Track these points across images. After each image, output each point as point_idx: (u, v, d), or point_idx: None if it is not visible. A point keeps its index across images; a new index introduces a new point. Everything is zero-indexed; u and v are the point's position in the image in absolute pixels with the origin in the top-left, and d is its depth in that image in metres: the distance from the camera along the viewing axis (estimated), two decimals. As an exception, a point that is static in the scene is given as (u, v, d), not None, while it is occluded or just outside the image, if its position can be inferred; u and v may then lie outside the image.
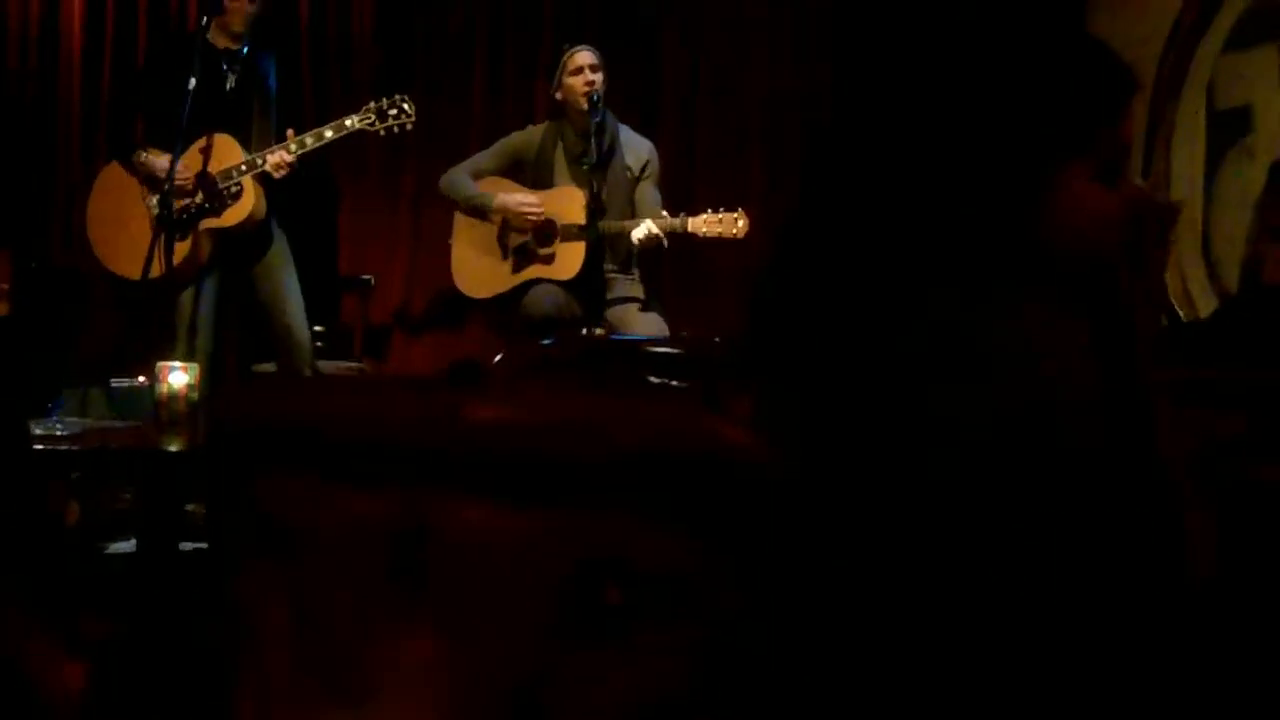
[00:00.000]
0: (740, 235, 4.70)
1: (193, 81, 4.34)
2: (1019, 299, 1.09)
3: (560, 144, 5.02)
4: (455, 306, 5.72)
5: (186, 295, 4.59)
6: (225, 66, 4.67)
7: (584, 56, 4.93)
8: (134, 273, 4.38)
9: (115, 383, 5.02)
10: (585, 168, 4.75)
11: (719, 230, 4.70)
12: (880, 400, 1.05)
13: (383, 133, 4.75)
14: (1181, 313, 4.90)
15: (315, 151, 4.63)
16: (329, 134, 4.65)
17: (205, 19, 4.62)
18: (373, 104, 4.74)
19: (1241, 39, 4.76)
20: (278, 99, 4.78)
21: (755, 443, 0.94)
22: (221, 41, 4.67)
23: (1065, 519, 1.03)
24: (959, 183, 1.09)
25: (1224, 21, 4.81)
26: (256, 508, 1.05)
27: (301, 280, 4.83)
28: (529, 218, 4.90)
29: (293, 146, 4.57)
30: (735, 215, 4.69)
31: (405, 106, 4.74)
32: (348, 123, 4.69)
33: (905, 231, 1.09)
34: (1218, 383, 1.59)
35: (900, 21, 1.18)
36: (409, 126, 4.80)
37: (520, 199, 4.94)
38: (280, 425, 1.03)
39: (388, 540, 0.93)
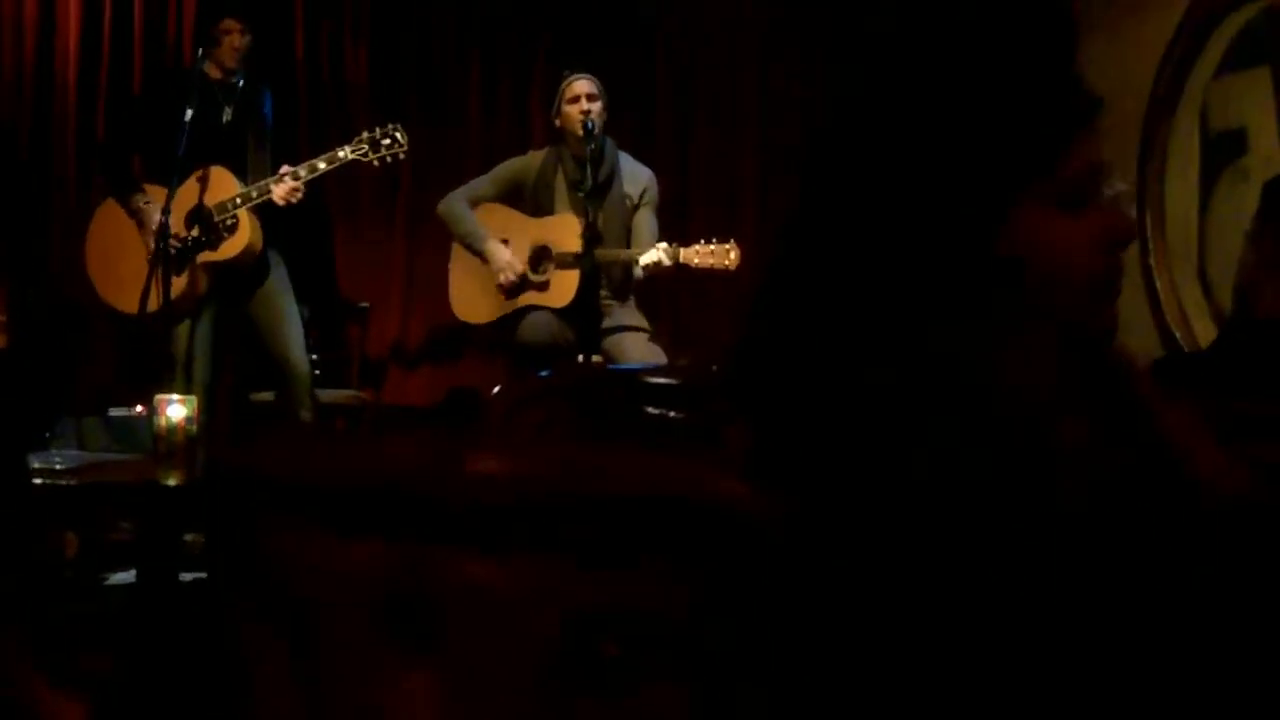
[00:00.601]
0: (732, 266, 4.68)
1: (189, 114, 4.36)
2: (989, 318, 1.10)
3: (560, 170, 5.01)
4: (451, 334, 5.73)
5: (183, 328, 4.60)
6: (221, 99, 4.69)
7: (581, 85, 4.93)
8: (132, 307, 4.39)
9: (113, 412, 5.02)
10: (582, 195, 4.76)
11: (711, 261, 4.70)
12: (869, 431, 1.05)
13: (376, 163, 4.76)
14: (1177, 333, 4.92)
15: (309, 182, 4.64)
16: (322, 165, 4.66)
17: (201, 52, 4.65)
18: (365, 134, 4.75)
19: (1235, 61, 4.79)
20: (273, 131, 4.79)
21: (750, 487, 0.94)
22: (216, 74, 4.69)
23: (1067, 551, 1.04)
24: (927, 202, 1.09)
25: (1217, 44, 4.83)
26: (255, 555, 1.05)
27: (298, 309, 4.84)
28: (501, 282, 4.92)
29: (302, 172, 4.58)
30: (727, 246, 4.69)
31: (398, 136, 4.75)
32: (341, 154, 4.70)
33: (886, 255, 1.10)
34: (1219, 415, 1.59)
35: (891, 40, 1.18)
36: (402, 156, 4.80)
37: (506, 262, 4.93)
38: (279, 474, 1.03)
39: (387, 591, 0.93)
